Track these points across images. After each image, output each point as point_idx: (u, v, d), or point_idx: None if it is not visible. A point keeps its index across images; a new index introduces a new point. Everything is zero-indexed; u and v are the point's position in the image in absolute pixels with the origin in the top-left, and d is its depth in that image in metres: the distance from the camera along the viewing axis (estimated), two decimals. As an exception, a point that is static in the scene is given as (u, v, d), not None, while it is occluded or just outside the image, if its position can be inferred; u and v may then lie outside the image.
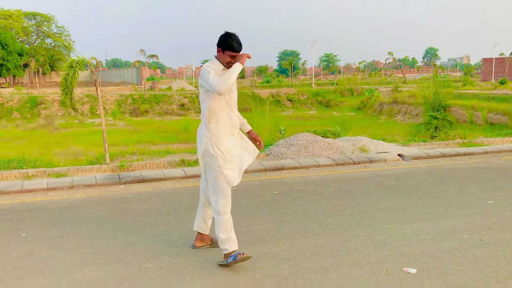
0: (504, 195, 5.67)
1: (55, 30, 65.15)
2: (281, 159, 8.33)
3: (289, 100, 42.63)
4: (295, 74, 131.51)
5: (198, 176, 7.07)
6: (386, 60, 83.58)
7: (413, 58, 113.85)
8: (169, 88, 53.76)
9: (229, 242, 3.63)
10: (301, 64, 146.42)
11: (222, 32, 3.61)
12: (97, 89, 8.34)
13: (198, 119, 38.34)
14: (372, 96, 38.11)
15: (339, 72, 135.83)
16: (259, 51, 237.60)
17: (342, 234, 4.39)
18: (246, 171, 7.40)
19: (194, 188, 6.36)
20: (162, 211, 5.31)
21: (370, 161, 8.12)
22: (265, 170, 7.56)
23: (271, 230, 4.53)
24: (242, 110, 38.38)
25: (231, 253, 3.60)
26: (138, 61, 59.15)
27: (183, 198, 5.91)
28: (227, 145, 3.64)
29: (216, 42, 3.60)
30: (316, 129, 11.44)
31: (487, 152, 8.76)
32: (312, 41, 57.53)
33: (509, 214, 4.90)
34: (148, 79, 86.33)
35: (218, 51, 3.60)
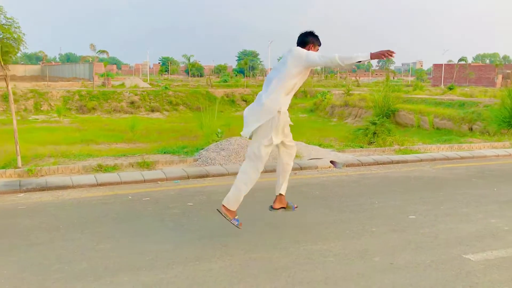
0: (427, 209, 5.40)
1: (4, 22, 61.79)
2: (209, 165, 7.83)
3: (243, 100, 42.23)
4: (253, 75, 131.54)
5: (112, 183, 6.47)
6: None
7: (368, 62, 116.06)
8: (122, 84, 52.17)
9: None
10: (261, 64, 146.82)
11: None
12: (7, 86, 7.58)
13: (148, 117, 36.81)
14: (325, 98, 38.29)
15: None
16: (219, 50, 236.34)
17: (243, 256, 3.94)
18: (166, 179, 6.87)
19: (102, 199, 5.76)
20: (52, 227, 4.68)
21: (301, 168, 7.77)
22: (188, 177, 7.03)
23: (165, 252, 4.02)
24: (194, 109, 37.04)
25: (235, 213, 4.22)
26: (88, 56, 57.02)
27: (85, 210, 5.30)
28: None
29: (301, 40, 4.27)
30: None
31: (421, 160, 8.60)
32: (269, 42, 57.29)
33: (426, 232, 4.61)
34: (102, 75, 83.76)
35: (311, 47, 4.22)
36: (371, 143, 11.06)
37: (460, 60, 55.57)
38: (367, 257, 3.93)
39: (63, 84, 49.38)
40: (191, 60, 67.77)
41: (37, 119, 30.85)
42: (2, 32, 8.31)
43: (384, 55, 3.88)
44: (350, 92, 40.81)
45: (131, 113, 36.70)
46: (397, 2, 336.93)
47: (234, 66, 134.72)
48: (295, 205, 4.65)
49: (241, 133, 4.30)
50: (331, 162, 8.14)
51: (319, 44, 4.30)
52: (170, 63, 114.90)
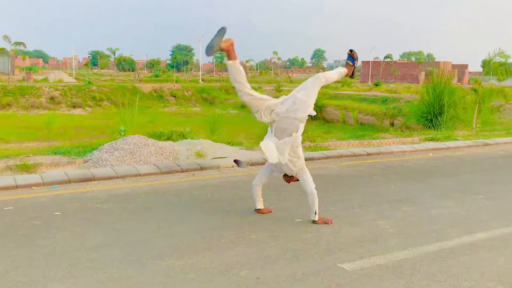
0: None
1: None
2: (100, 167, 7.14)
3: (172, 96, 41.15)
4: (188, 70, 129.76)
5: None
6: (271, 59, 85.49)
7: (302, 59, 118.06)
8: (45, 79, 49.14)
9: None
10: (196, 60, 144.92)
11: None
12: None
13: (69, 113, 34.78)
14: (256, 94, 38.26)
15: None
16: (153, 44, 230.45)
17: (90, 277, 3.39)
18: (42, 183, 6.13)
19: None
20: None
21: (201, 168, 7.28)
22: (69, 181, 6.32)
23: (-7, 277, 3.38)
24: (119, 105, 35.32)
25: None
26: (3, 49, 53.27)
27: None
28: None
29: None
30: (164, 130, 10.39)
31: (327, 157, 8.42)
32: (199, 36, 56.42)
33: (308, 238, 4.29)
34: (27, 69, 78.66)
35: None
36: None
37: (386, 57, 57.74)
38: (233, 272, 3.52)
39: (-23, 78, 45.78)
40: (117, 54, 65.33)
41: None
42: None
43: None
44: (281, 88, 41.04)
45: (51, 109, 34.57)
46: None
47: (168, 61, 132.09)
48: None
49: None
50: (235, 161, 7.74)
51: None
52: (100, 57, 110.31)
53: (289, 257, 3.83)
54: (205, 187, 6.21)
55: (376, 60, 60.03)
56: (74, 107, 35.63)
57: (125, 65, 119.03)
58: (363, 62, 63.74)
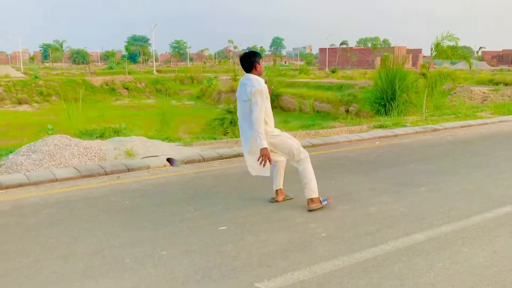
0: (244, 216, 4.60)
1: None
2: (14, 172, 6.37)
3: (125, 88, 39.83)
4: (144, 60, 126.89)
5: None
6: (227, 47, 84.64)
7: (261, 47, 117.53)
8: (-11, 74, 46.53)
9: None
10: (154, 50, 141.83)
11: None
12: None
13: (14, 110, 33.10)
14: (211, 84, 37.38)
15: (191, 59, 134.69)
16: (108, 36, 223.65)
17: None
18: None
19: None
20: None
21: (128, 170, 6.62)
22: (-31, 192, 5.54)
23: None
24: (68, 100, 33.63)
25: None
26: None
27: None
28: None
29: (248, 63, 4.63)
30: (97, 127, 9.61)
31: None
32: (152, 26, 54.78)
33: (228, 250, 3.76)
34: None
35: (257, 66, 4.64)
36: (226, 133, 10.24)
37: (342, 44, 57.93)
38: (127, 302, 2.94)
39: None
40: (65, 46, 62.86)
41: None
42: None
43: (264, 159, 4.46)
44: (238, 77, 40.41)
45: (-8, 106, 32.70)
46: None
47: (124, 53, 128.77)
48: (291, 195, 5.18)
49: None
50: (168, 160, 7.12)
51: (260, 58, 4.73)
52: (51, 50, 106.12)
53: (200, 278, 3.28)
54: (127, 192, 5.58)
55: (332, 46, 60.14)
56: (19, 103, 33.83)
57: (79, 58, 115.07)
58: (320, 49, 63.86)
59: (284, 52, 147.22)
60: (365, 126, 10.65)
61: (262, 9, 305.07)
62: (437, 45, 12.01)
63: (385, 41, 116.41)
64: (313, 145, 8.42)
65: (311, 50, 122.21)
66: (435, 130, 10.08)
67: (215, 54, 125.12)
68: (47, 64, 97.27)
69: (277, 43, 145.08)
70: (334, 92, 29.21)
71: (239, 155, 7.58)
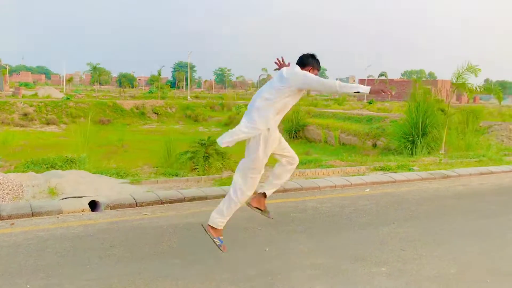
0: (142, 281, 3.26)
1: None
2: None
3: (155, 112, 39.58)
4: (188, 87, 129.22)
5: None
6: (260, 76, 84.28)
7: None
8: (35, 95, 48.02)
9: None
10: (199, 77, 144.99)
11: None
12: None
13: (41, 131, 33.49)
14: (239, 112, 36.44)
15: (232, 87, 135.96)
16: (155, 59, 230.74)
17: None
18: None
19: None
20: None
21: (33, 214, 5.42)
22: None
23: None
24: (97, 122, 33.83)
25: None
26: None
27: None
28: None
29: (301, 62, 4.20)
30: (50, 156, 8.60)
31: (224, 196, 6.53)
32: (188, 52, 55.19)
33: None
34: (20, 84, 78.10)
35: (310, 70, 4.14)
36: (194, 169, 8.92)
37: (380, 75, 55.91)
38: None
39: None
40: (91, 68, 64.97)
41: None
42: None
43: (383, 91, 3.90)
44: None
45: (23, 126, 33.06)
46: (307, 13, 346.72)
47: (169, 78, 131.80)
48: (271, 216, 4.64)
49: (220, 140, 4.09)
50: (92, 202, 5.88)
51: (319, 69, 4.28)
52: (98, 73, 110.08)
53: None
54: (21, 246, 4.36)
55: (370, 78, 58.23)
56: (47, 123, 34.10)
57: (125, 81, 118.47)
58: (359, 80, 62.11)
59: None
60: (363, 168, 9.08)
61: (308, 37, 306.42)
62: (458, 77, 10.36)
63: (430, 74, 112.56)
64: (285, 190, 6.96)
65: (354, 80, 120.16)
66: (445, 177, 8.36)
67: (257, 82, 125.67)
68: (94, 87, 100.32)
69: (320, 72, 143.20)
70: (363, 124, 27.46)
71: (185, 199, 6.26)
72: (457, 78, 10.52)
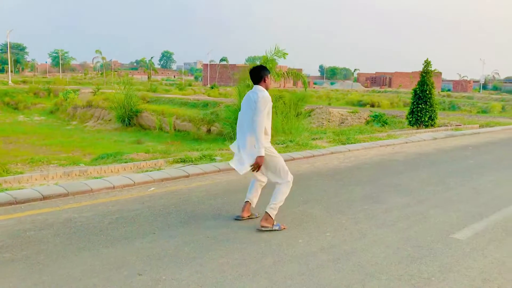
0: None
1: None
2: None
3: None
4: (19, 69, 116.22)
5: None
6: (93, 58, 79.60)
7: (150, 60, 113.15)
8: None
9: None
10: (32, 59, 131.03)
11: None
12: None
13: None
14: (67, 98, 32.94)
15: (72, 70, 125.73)
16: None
17: None
18: None
19: None
20: None
21: None
22: None
23: None
24: None
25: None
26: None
27: None
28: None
29: (258, 76, 4.73)
30: None
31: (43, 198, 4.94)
32: (7, 31, 48.72)
33: None
34: None
35: (265, 79, 4.76)
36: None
37: (221, 60, 56.30)
38: None
39: None
40: None
41: None
42: None
43: (257, 163, 4.48)
44: (101, 91, 36.34)
45: None
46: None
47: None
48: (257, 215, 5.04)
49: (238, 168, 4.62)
50: None
51: (269, 72, 4.86)
52: None
53: None
54: None
55: (212, 63, 58.34)
56: None
57: None
58: (203, 65, 61.88)
59: (174, 67, 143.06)
60: (162, 161, 8.07)
61: (152, 21, 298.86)
62: (265, 61, 9.97)
63: (271, 60, 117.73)
64: (44, 197, 5.54)
65: (201, 65, 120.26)
66: (219, 171, 7.61)
67: (100, 65, 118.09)
68: None
69: (166, 56, 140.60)
70: (199, 110, 26.84)
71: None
72: (265, 62, 10.15)
